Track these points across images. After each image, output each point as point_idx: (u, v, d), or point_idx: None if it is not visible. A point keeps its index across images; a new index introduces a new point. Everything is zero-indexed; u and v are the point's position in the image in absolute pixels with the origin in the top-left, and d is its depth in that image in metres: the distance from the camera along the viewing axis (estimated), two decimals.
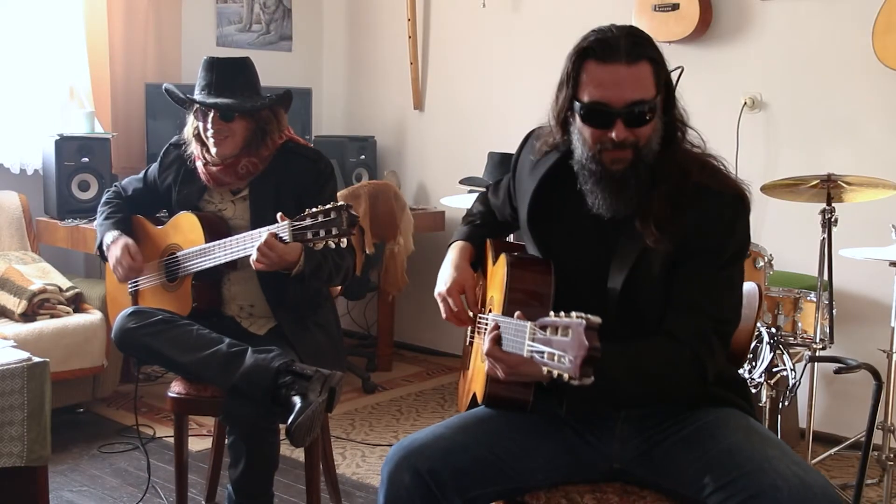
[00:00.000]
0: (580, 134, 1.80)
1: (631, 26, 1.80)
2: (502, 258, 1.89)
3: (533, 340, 1.51)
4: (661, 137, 1.80)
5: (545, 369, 1.46)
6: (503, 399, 1.82)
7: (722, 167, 1.87)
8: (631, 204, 1.79)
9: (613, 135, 1.75)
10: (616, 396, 1.78)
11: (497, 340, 1.65)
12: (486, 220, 2.20)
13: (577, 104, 1.78)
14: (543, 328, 1.49)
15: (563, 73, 1.80)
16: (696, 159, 1.85)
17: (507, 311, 1.75)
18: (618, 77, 1.73)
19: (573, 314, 1.45)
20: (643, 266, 1.80)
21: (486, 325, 1.81)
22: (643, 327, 1.80)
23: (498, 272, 1.92)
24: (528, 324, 1.52)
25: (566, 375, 1.42)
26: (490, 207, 2.21)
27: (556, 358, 1.44)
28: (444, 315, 2.02)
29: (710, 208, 1.79)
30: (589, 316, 1.43)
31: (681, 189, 1.79)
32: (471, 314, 2.02)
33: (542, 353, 1.47)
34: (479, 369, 1.93)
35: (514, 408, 1.82)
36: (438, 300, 2.02)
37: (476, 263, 2.11)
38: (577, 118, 1.79)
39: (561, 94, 1.82)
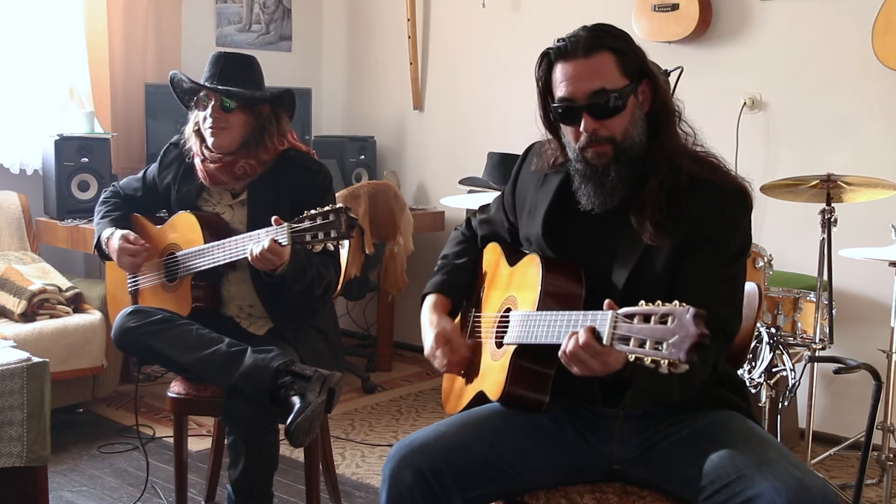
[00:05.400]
0: (565, 135, 1.86)
1: (599, 23, 1.83)
2: (532, 259, 1.90)
3: (615, 329, 1.51)
4: (643, 129, 1.82)
5: (632, 357, 1.47)
6: (521, 398, 1.81)
7: (718, 161, 1.87)
8: (616, 195, 1.81)
9: (582, 128, 1.79)
10: (653, 391, 1.76)
11: (593, 332, 1.61)
12: (462, 255, 2.15)
13: (552, 106, 1.83)
14: (629, 317, 1.49)
15: (536, 80, 1.86)
16: (691, 151, 1.86)
17: (542, 308, 1.77)
18: (576, 71, 1.78)
19: (667, 304, 1.45)
20: (645, 264, 1.81)
21: (507, 323, 1.84)
22: None
23: (524, 272, 1.92)
24: (611, 312, 1.53)
25: (664, 361, 1.42)
26: (472, 231, 2.19)
27: (647, 344, 1.44)
28: (441, 370, 1.99)
29: (712, 203, 1.79)
30: (689, 306, 1.43)
31: (676, 181, 1.79)
32: (464, 351, 1.98)
33: (628, 339, 1.48)
34: (489, 367, 1.93)
35: (529, 408, 1.82)
36: (430, 360, 1.98)
37: (455, 308, 2.10)
38: (557, 119, 1.85)
39: (540, 101, 1.87)
